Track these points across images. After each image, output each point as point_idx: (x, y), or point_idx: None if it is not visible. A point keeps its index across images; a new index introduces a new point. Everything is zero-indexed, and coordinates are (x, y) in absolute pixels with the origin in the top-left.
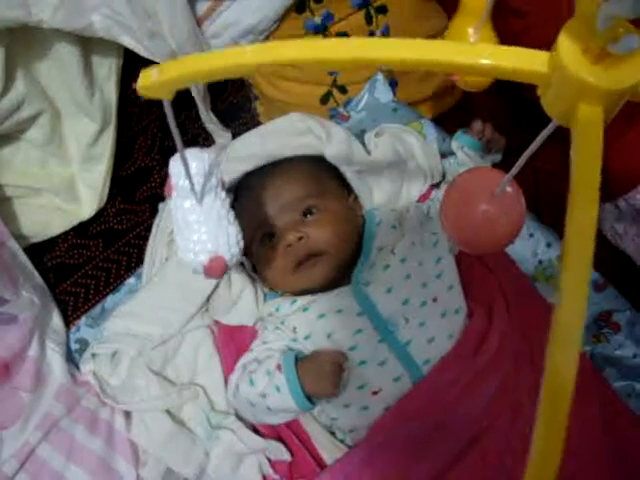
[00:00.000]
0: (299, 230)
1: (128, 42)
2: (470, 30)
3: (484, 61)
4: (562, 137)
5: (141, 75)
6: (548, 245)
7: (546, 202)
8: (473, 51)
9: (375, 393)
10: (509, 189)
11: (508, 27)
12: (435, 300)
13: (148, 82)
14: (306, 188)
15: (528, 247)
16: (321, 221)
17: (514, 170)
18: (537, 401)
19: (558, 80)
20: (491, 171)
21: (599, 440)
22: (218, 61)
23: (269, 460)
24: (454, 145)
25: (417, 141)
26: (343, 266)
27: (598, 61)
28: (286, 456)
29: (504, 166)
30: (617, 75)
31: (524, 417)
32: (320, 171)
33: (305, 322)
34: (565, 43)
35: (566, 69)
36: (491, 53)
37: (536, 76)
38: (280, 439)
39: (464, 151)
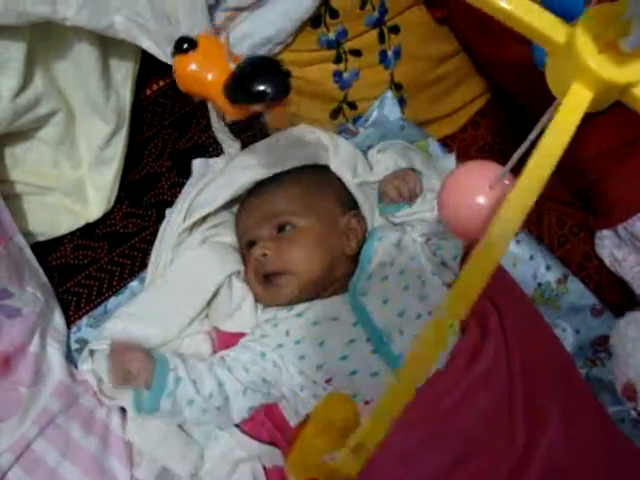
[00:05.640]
0: (264, 246)
1: (148, 45)
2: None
3: (507, 6)
4: (560, 165)
5: None
6: (547, 268)
7: (548, 226)
8: None
9: (367, 403)
10: (507, 182)
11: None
12: (430, 314)
13: None
14: (287, 204)
15: (528, 270)
16: (291, 240)
17: (510, 163)
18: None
19: (565, 54)
20: (490, 164)
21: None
22: None
23: (264, 468)
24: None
25: (418, 157)
26: (313, 285)
27: (605, 50)
28: (282, 462)
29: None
30: (617, 69)
31: (520, 435)
32: (316, 186)
33: (298, 327)
34: (584, 25)
35: (574, 47)
36: (520, 5)
37: (550, 42)
38: (275, 445)
39: (396, 216)
